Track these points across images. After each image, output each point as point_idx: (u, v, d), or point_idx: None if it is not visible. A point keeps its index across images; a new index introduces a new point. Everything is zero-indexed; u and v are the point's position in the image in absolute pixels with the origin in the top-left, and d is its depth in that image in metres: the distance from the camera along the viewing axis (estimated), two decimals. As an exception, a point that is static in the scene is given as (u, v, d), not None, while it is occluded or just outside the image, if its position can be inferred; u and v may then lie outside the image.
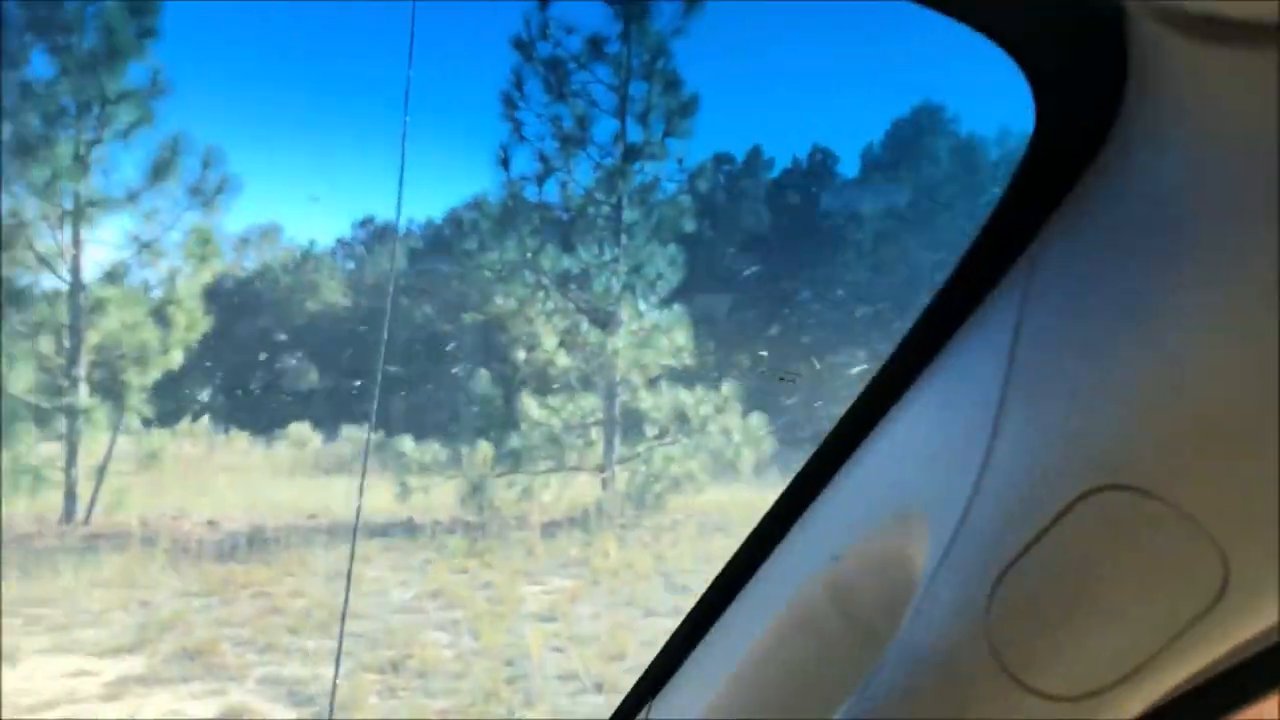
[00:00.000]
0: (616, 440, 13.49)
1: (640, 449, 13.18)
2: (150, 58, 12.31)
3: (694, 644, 0.93)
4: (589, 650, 5.89)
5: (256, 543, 10.50)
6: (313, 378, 49.10)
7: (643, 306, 13.58)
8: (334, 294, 56.58)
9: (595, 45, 13.79)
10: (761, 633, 0.82)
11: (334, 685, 4.26)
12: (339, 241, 65.76)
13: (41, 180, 11.76)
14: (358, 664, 5.83)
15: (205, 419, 29.66)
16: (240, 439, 29.67)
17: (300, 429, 32.21)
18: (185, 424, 26.71)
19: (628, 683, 3.65)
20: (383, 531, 11.83)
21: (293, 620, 7.06)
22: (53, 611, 7.49)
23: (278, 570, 9.06)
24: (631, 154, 13.80)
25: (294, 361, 48.97)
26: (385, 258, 59.57)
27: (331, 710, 4.05)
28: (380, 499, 15.42)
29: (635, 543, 10.58)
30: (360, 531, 11.67)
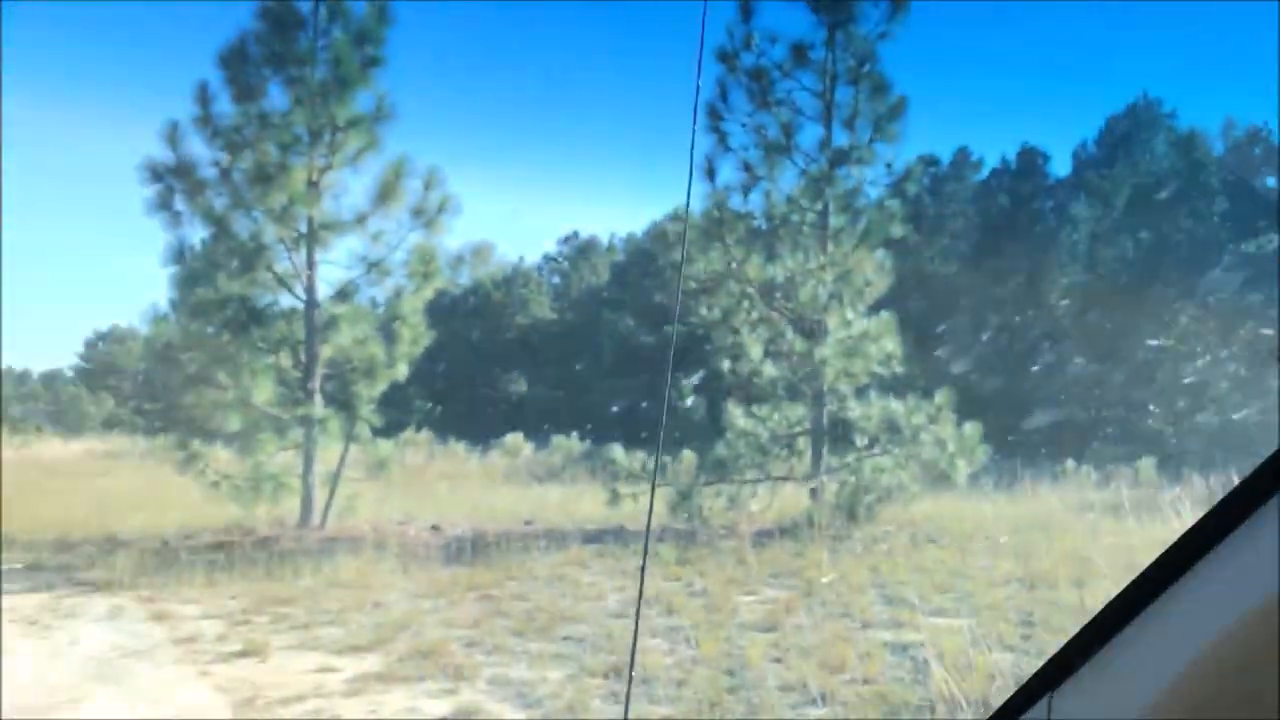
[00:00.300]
0: (825, 450, 13.33)
1: (850, 459, 12.98)
2: (375, 85, 13.04)
3: (1102, 644, 0.90)
4: (809, 662, 5.82)
5: (478, 547, 10.88)
6: (523, 388, 50.60)
7: (850, 314, 13.36)
8: (542, 308, 58.16)
9: (799, 52, 13.70)
10: (1182, 652, 0.79)
11: (628, 694, 4.35)
12: (546, 257, 67.28)
13: (279, 206, 12.58)
14: (580, 668, 5.95)
15: (426, 429, 31.09)
16: (458, 448, 30.92)
17: (514, 438, 33.28)
18: (408, 433, 27.99)
19: (850, 694, 3.59)
20: (595, 538, 12.07)
21: (517, 623, 7.27)
22: (295, 610, 7.97)
23: (499, 574, 9.37)
24: (838, 159, 13.64)
25: (506, 373, 50.62)
26: (589, 271, 60.74)
27: (626, 712, 4.13)
28: (591, 506, 15.77)
29: (847, 554, 10.41)
30: (573, 536, 11.95)
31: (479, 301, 56.10)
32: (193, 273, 12.76)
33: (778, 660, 6.06)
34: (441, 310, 14.38)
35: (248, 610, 7.99)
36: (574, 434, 34.96)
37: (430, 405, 38.28)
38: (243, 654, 6.60)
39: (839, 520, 12.41)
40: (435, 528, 13.58)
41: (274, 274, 13.05)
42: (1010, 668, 5.57)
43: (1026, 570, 8.82)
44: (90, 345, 76.24)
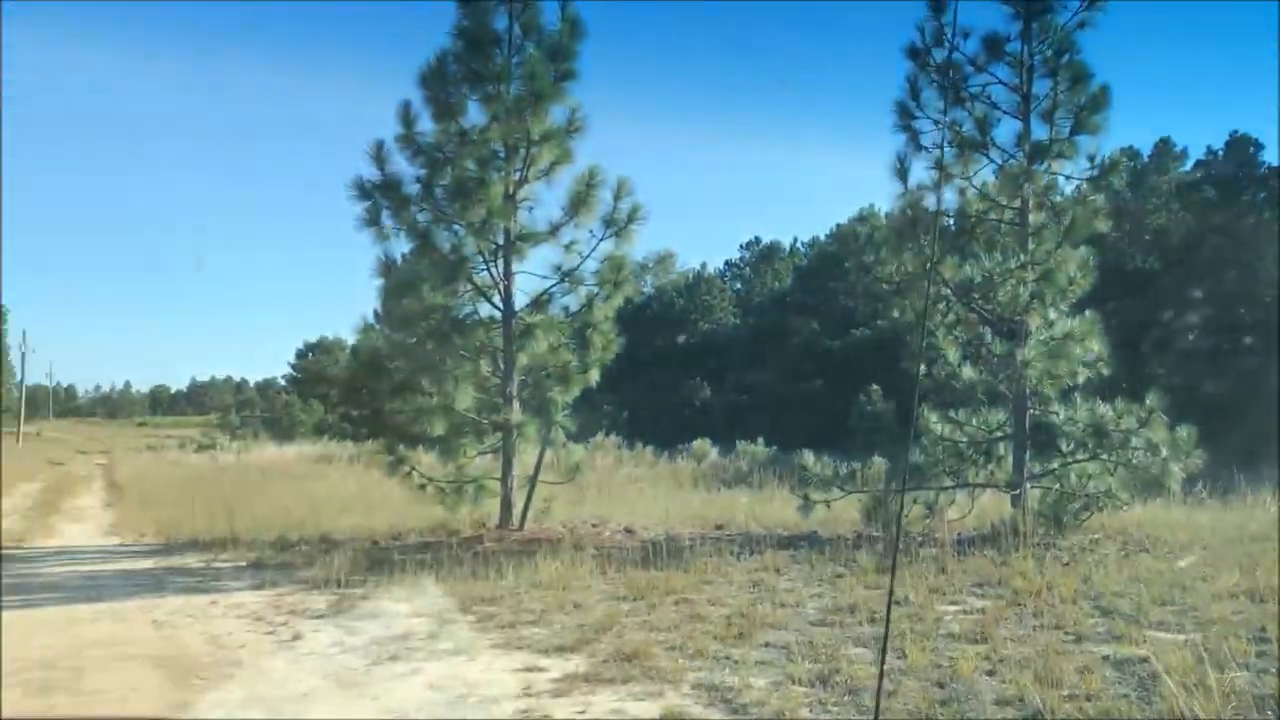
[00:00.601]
0: (1027, 456, 12.84)
1: (1054, 465, 12.46)
2: (569, 99, 13.33)
3: None
4: (1024, 675, 5.60)
5: (672, 551, 10.95)
6: (706, 394, 50.63)
7: (1053, 314, 12.83)
8: (725, 313, 57.99)
9: (994, 45, 13.26)
10: None
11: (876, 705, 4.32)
12: (727, 263, 67.08)
13: (478, 219, 12.99)
14: (784, 675, 5.90)
15: (613, 433, 31.60)
16: (644, 452, 31.33)
17: (700, 443, 33.42)
18: (597, 437, 28.45)
19: (1073, 710, 3.42)
20: (788, 543, 11.98)
21: (716, 628, 7.28)
22: (500, 610, 8.21)
23: (695, 578, 9.40)
24: (1036, 154, 13.12)
25: (689, 379, 50.81)
26: (772, 276, 60.17)
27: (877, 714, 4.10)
28: (781, 511, 15.66)
29: (1054, 563, 9.99)
30: (766, 541, 11.89)
31: (662, 308, 56.74)
32: (398, 285, 13.34)
33: (990, 673, 5.86)
34: (625, 317, 14.52)
35: (455, 609, 8.28)
36: (759, 439, 34.94)
37: (617, 410, 38.85)
38: (453, 652, 6.84)
39: (1043, 528, 11.93)
40: (628, 530, 13.77)
41: (474, 284, 13.51)
42: (1248, 686, 5.21)
43: (1252, 583, 8.26)
44: (301, 355, 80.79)
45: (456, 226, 13.33)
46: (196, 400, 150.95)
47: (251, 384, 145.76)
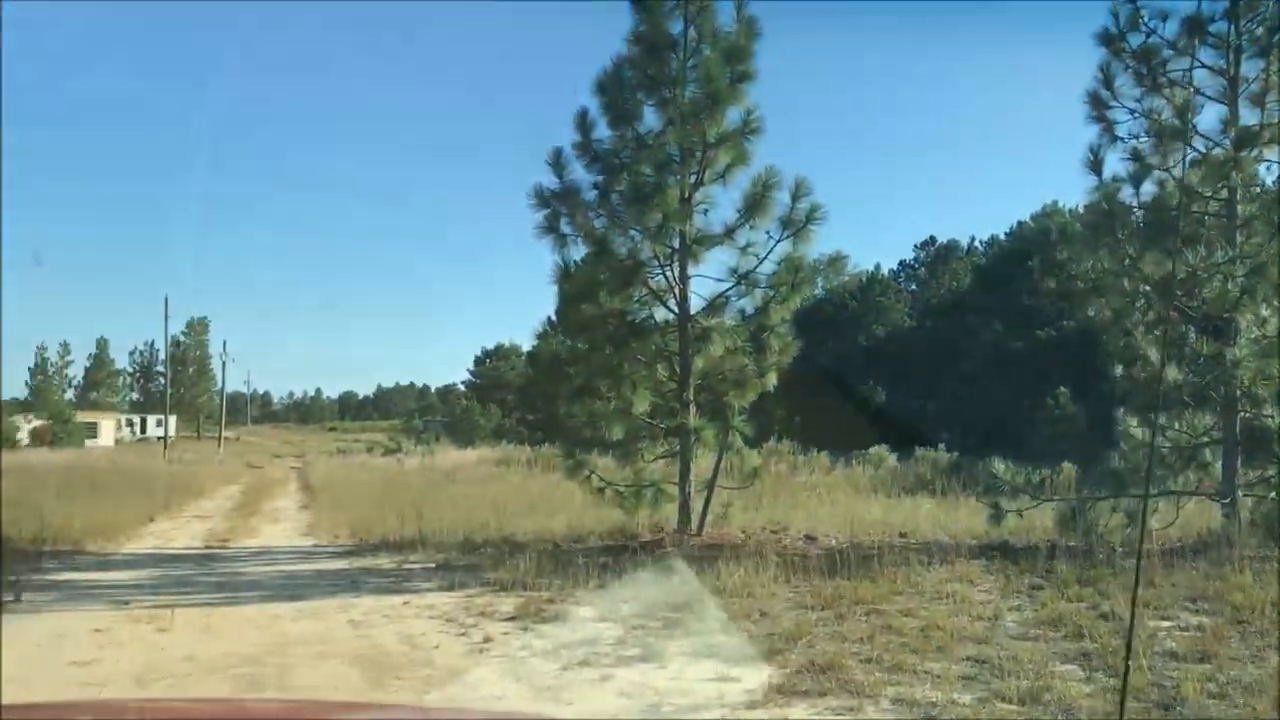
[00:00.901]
0: (1239, 462, 12.02)
1: (1271, 471, 11.62)
2: (745, 100, 13.19)
3: None
4: (1259, 700, 5.17)
5: (856, 559, 10.68)
6: (881, 398, 49.49)
7: (1265, 311, 11.97)
8: (900, 315, 56.62)
9: (1197, 26, 12.48)
10: None
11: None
12: (901, 264, 65.46)
13: (654, 223, 13.00)
14: (990, 692, 5.61)
15: (787, 438, 31.19)
16: (819, 458, 30.82)
17: (877, 449, 32.67)
18: (770, 442, 28.15)
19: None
20: (979, 553, 11.52)
21: (911, 640, 7.01)
22: (685, 616, 8.13)
23: (884, 588, 9.12)
24: (1244, 141, 12.26)
25: (863, 383, 49.77)
26: (949, 276, 58.38)
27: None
28: (967, 519, 15.12)
29: (1273, 577, 9.26)
30: (953, 551, 11.48)
31: (835, 311, 55.84)
32: (576, 291, 13.47)
33: (1218, 696, 5.43)
34: (797, 320, 14.25)
35: (641, 615, 8.24)
36: (939, 444, 33.92)
37: (789, 415, 38.39)
38: (642, 659, 6.79)
39: (1258, 539, 11.13)
40: (809, 537, 13.52)
41: (650, 289, 13.52)
42: None
43: None
44: (479, 362, 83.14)
45: (633, 231, 13.38)
46: (382, 406, 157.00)
47: (433, 390, 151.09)
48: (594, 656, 6.85)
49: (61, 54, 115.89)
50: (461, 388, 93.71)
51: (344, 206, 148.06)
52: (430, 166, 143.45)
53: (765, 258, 13.32)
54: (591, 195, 13.58)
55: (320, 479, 29.71)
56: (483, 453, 38.99)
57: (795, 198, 13.16)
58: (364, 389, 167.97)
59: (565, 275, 13.89)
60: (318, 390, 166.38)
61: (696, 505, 13.40)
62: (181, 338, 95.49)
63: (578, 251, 13.78)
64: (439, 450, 39.78)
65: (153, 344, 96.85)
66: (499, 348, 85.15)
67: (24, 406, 72.45)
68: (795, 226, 13.22)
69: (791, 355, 13.79)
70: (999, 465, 12.99)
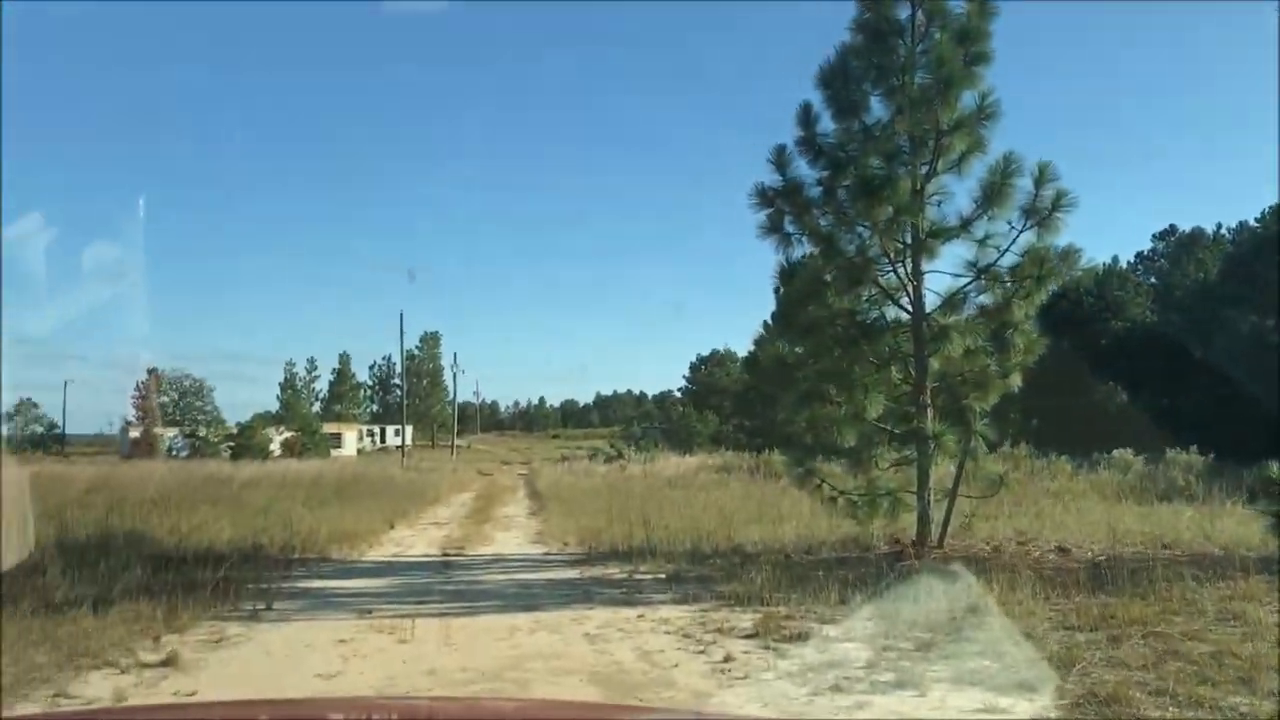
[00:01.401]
0: None
1: None
2: (980, 83, 12.40)
3: None
4: None
5: (1115, 572, 9.77)
6: (1123, 398, 46.42)
7: None
8: (1140, 310, 53.10)
9: None
10: None
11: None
12: (1139, 255, 61.44)
13: (884, 218, 12.38)
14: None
15: (1023, 442, 29.58)
16: (1060, 462, 29.06)
17: (1121, 452, 30.55)
18: (1005, 447, 26.73)
19: None
20: (1261, 567, 10.34)
21: (1204, 669, 6.21)
22: (939, 638, 7.53)
23: (1157, 606, 8.24)
24: None
25: (1103, 382, 46.85)
26: (1195, 267, 54.36)
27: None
28: (1234, 529, 13.73)
29: None
30: (1227, 564, 10.37)
31: (1070, 307, 52.82)
32: (802, 291, 12.99)
33: None
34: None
35: (890, 635, 7.70)
36: (1192, 447, 31.38)
37: (1024, 418, 36.47)
38: (897, 685, 6.25)
39: None
40: (1062, 549, 12.56)
41: (880, 287, 12.90)
42: None
43: None
44: (694, 369, 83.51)
45: (861, 228, 12.80)
46: (602, 413, 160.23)
47: (649, 397, 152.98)
48: (845, 681, 6.36)
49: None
50: (678, 394, 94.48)
51: (565, 213, 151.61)
52: (652, 170, 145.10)
53: (1006, 250, 12.48)
54: (816, 192, 13.08)
55: (547, 485, 30.25)
56: (702, 459, 38.86)
57: (1039, 184, 12.26)
58: (584, 397, 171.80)
59: (789, 276, 13.44)
60: (541, 399, 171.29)
61: (935, 515, 12.66)
62: (416, 351, 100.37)
63: (802, 251, 13.33)
64: (659, 457, 39.91)
65: (389, 358, 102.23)
66: (714, 354, 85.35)
67: (276, 419, 77.56)
68: (1039, 215, 12.31)
69: (1037, 354, 12.90)
70: (1276, 468, 11.69)
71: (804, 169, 13.09)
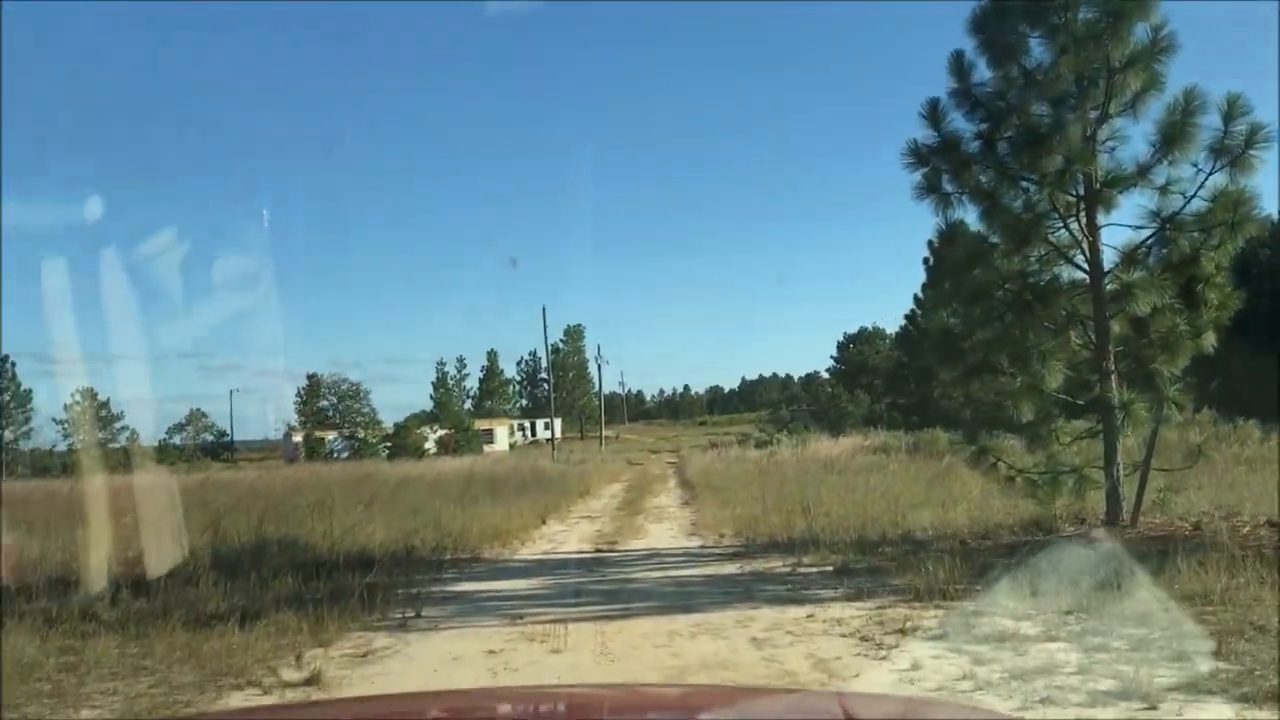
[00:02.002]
0: None
1: None
2: (1152, 14, 11.20)
3: None
4: None
5: (1352, 554, 8.58)
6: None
7: None
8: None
9: None
10: None
11: None
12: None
13: (1052, 169, 11.34)
14: None
15: (1206, 407, 27.51)
16: (1248, 427, 26.95)
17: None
18: (1188, 413, 24.88)
19: None
20: None
21: None
22: (1153, 632, 6.61)
23: None
24: None
25: (1289, 339, 43.53)
26: None
27: None
28: None
29: None
30: None
31: (1241, 260, 49.41)
32: (965, 255, 12.02)
33: None
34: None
35: (1097, 632, 6.80)
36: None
37: (1203, 379, 34.11)
38: (1121, 694, 5.37)
39: None
40: (1273, 524, 11.28)
41: (1052, 245, 11.83)
42: None
43: None
44: (842, 348, 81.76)
45: (1026, 182, 11.75)
46: (747, 397, 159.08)
47: (795, 380, 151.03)
48: (1056, 692, 5.51)
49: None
50: (825, 375, 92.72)
51: (699, 198, 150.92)
52: (786, 149, 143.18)
53: (1193, 196, 11.26)
54: (975, 147, 12.07)
55: (697, 474, 29.68)
56: (856, 441, 37.67)
57: (1228, 119, 11.00)
58: (729, 382, 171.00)
59: (949, 239, 12.48)
60: (685, 387, 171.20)
61: (1126, 491, 11.55)
62: (560, 345, 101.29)
63: (962, 212, 12.33)
64: (811, 440, 38.88)
65: (535, 353, 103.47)
66: (862, 331, 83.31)
67: (430, 418, 79.14)
68: (1230, 155, 11.05)
69: (1233, 309, 11.63)
70: None
71: (960, 122, 12.13)
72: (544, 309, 64.62)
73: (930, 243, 12.52)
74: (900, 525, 13.41)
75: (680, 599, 9.21)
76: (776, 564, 11.06)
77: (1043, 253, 11.85)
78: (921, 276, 52.10)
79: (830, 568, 10.49)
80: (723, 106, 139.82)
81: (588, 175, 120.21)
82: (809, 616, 8.05)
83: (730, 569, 11.01)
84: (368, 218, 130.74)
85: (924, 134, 12.08)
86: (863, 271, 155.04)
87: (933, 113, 12.02)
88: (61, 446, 73.11)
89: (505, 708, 2.57)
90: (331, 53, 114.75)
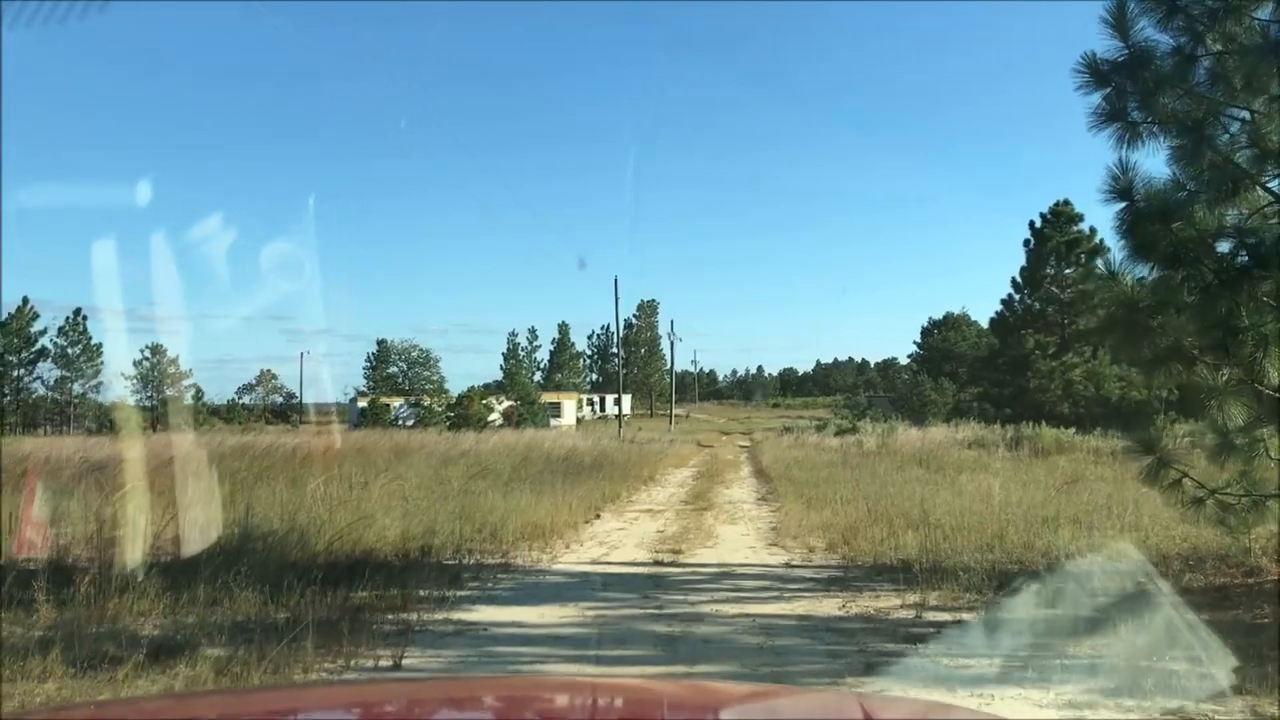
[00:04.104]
0: None
1: None
2: None
3: None
4: None
5: None
6: None
7: None
8: None
9: None
10: None
11: None
12: None
13: (1271, 93, 8.45)
14: None
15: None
16: None
17: None
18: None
19: None
20: None
21: None
22: None
23: None
24: None
25: None
26: None
27: None
28: None
29: None
30: None
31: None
32: (1156, 205, 9.13)
33: None
34: None
35: None
36: None
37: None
38: None
39: None
40: None
41: (1271, 194, 8.92)
42: None
43: None
44: (926, 333, 78.13)
45: (1238, 109, 8.86)
46: (821, 381, 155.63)
47: (871, 365, 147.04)
48: None
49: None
50: (906, 360, 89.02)
51: (786, 182, 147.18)
52: (858, 135, 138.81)
53: None
54: (1168, 65, 9.18)
55: (773, 462, 26.96)
56: (949, 432, 34.55)
57: None
58: (803, 365, 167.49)
59: (1127, 187, 9.61)
60: (759, 367, 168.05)
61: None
62: (633, 320, 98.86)
63: (1144, 157, 9.44)
64: (898, 429, 35.82)
65: (607, 327, 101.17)
66: (948, 317, 79.51)
67: (499, 389, 77.35)
68: None
69: None
70: None
71: (1150, 33, 9.22)
72: (615, 279, 62.03)
73: (1114, 179, 9.22)
74: (1036, 547, 10.66)
75: (767, 661, 6.51)
76: (892, 601, 8.34)
77: (1266, 204, 8.94)
78: (1020, 260, 48.60)
79: (968, 614, 7.77)
80: (806, 79, 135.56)
81: (667, 151, 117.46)
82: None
83: (830, 607, 8.30)
84: (458, 189, 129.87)
85: (1105, 45, 9.22)
86: (947, 258, 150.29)
87: (1119, 16, 9.12)
88: (130, 402, 72.99)
89: (519, 697, 2.53)
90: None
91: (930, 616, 7.74)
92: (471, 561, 10.47)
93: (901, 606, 8.11)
